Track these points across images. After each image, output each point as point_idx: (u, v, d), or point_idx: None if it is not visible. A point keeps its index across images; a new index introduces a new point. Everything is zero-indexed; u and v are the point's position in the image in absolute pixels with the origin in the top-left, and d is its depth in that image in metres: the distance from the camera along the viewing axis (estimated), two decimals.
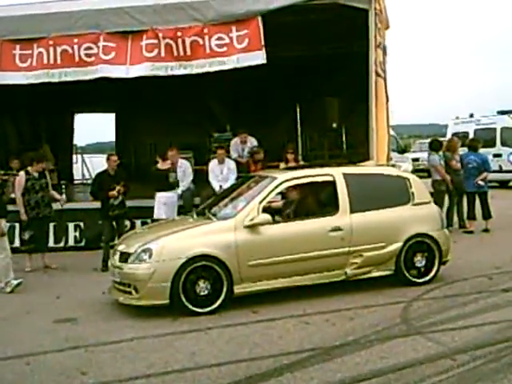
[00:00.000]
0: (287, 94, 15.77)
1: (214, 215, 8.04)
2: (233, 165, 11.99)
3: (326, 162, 9.61)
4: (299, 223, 7.87)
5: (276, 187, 7.88)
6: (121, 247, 7.84)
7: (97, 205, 10.75)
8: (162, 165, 10.99)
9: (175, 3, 11.05)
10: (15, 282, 8.76)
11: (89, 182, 17.56)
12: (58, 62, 11.17)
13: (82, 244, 12.14)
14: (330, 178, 8.03)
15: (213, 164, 12.04)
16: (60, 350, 6.22)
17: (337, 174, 8.05)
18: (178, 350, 6.08)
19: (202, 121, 16.71)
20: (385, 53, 11.70)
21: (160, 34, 10.92)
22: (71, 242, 12.18)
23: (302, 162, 11.80)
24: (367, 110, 11.10)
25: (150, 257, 7.24)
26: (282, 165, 11.36)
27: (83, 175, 19.35)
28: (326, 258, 7.69)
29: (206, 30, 10.87)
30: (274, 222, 7.69)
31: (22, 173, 10.47)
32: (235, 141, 13.51)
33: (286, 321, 6.85)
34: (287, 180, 8.05)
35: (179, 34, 10.87)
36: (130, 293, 7.37)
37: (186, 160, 12.36)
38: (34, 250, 10.42)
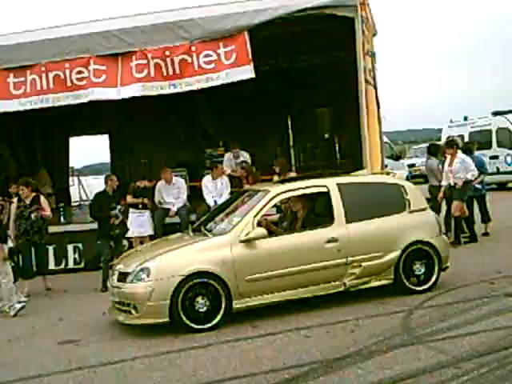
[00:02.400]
0: (278, 107, 15.79)
1: (210, 231, 8.07)
2: (226, 180, 12.05)
3: (319, 173, 9.58)
4: (295, 236, 7.89)
5: (270, 201, 7.89)
6: (119, 267, 7.86)
7: (95, 226, 10.78)
8: (140, 183, 11.49)
9: (162, 23, 11.15)
10: (18, 306, 8.77)
11: (86, 203, 17.58)
12: (51, 87, 11.31)
13: (82, 265, 12.16)
14: (323, 189, 8.03)
15: (206, 180, 12.08)
16: (64, 371, 6.27)
17: (330, 184, 8.05)
18: (180, 367, 6.10)
19: (195, 137, 16.74)
20: (374, 60, 11.74)
21: (149, 55, 11.03)
22: (71, 264, 12.21)
23: (292, 174, 11.74)
24: (359, 118, 11.12)
25: (148, 275, 7.26)
26: (276, 178, 11.36)
27: (80, 197, 19.34)
28: (324, 270, 7.68)
29: (193, 48, 10.97)
30: (270, 235, 7.70)
31: (15, 199, 10.47)
32: (228, 156, 13.59)
33: (286, 334, 6.84)
34: (281, 193, 8.06)
35: (167, 53, 10.97)
36: (129, 312, 7.39)
37: (180, 177, 12.41)
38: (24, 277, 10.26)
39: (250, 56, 10.81)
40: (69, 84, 11.24)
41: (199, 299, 7.22)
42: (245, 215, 7.75)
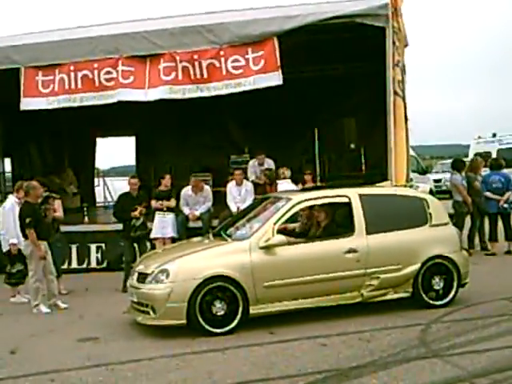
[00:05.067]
0: (305, 115, 15.78)
1: (230, 236, 8.11)
2: (250, 186, 12.05)
3: (341, 183, 9.56)
4: (314, 244, 7.86)
5: (291, 208, 7.89)
6: (139, 268, 7.93)
7: (118, 226, 10.89)
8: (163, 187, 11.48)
9: (191, 26, 11.21)
10: (44, 311, 8.88)
11: (111, 204, 17.79)
12: (79, 86, 11.46)
13: (104, 265, 12.29)
14: (345, 199, 8.02)
15: (230, 186, 12.11)
16: (82, 367, 6.37)
17: (352, 194, 8.03)
18: (196, 369, 6.15)
19: (221, 143, 16.83)
20: (403, 72, 11.65)
21: (177, 58, 11.11)
22: (93, 264, 12.35)
23: (319, 184, 11.77)
24: (386, 129, 11.07)
25: (166, 277, 7.31)
26: (300, 186, 11.37)
27: (105, 198, 19.57)
28: (342, 280, 7.66)
29: (222, 53, 11.02)
30: (289, 243, 7.69)
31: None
32: (253, 162, 13.60)
33: (302, 342, 6.84)
34: (302, 201, 8.07)
35: (196, 56, 11.03)
36: (147, 313, 7.44)
37: (205, 185, 12.47)
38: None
39: (279, 63, 10.84)
40: (97, 84, 11.38)
41: (217, 303, 7.26)
42: (265, 222, 7.77)
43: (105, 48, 11.38)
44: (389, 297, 7.92)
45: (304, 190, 9.62)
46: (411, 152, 14.05)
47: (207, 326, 7.21)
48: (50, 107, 11.67)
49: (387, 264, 7.81)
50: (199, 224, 11.79)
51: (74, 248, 12.22)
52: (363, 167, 15.58)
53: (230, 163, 15.96)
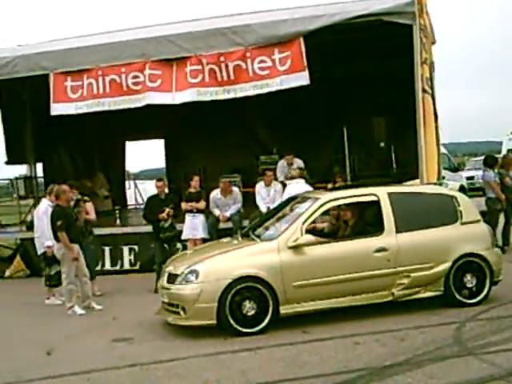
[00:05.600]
0: (333, 114, 15.72)
1: (258, 236, 8.12)
2: (279, 187, 12.00)
3: (369, 182, 9.48)
4: (344, 244, 7.84)
5: (319, 208, 7.87)
6: (169, 269, 7.99)
7: (149, 228, 11.01)
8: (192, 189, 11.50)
9: (217, 29, 11.26)
10: (79, 312, 9.01)
11: (142, 206, 17.94)
12: (107, 91, 11.60)
13: (137, 267, 12.43)
14: (374, 198, 7.97)
15: (259, 186, 12.11)
16: (117, 367, 6.46)
17: (381, 193, 7.97)
18: (230, 368, 6.19)
19: (249, 144, 16.81)
20: (432, 69, 11.54)
21: (203, 60, 11.15)
22: (126, 265, 12.51)
23: (349, 183, 11.71)
24: (415, 127, 10.96)
25: (196, 278, 7.37)
26: (330, 186, 11.32)
27: (136, 200, 19.76)
28: (372, 279, 7.62)
29: (248, 54, 11.02)
30: (318, 242, 7.68)
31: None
32: (281, 163, 13.57)
33: (335, 341, 6.84)
34: (330, 200, 8.04)
35: (222, 58, 11.06)
36: (178, 313, 7.51)
37: (234, 186, 12.50)
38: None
39: (305, 63, 10.81)
40: (125, 88, 11.50)
41: (246, 303, 7.28)
42: (294, 221, 7.76)
43: (131, 52, 11.49)
44: (420, 295, 7.85)
45: (332, 189, 9.55)
46: (442, 149, 13.90)
47: (237, 326, 7.23)
48: (79, 112, 11.83)
49: (418, 262, 7.74)
50: (230, 225, 11.81)
51: (107, 250, 12.41)
52: (394, 166, 15.47)
53: (259, 164, 15.98)
